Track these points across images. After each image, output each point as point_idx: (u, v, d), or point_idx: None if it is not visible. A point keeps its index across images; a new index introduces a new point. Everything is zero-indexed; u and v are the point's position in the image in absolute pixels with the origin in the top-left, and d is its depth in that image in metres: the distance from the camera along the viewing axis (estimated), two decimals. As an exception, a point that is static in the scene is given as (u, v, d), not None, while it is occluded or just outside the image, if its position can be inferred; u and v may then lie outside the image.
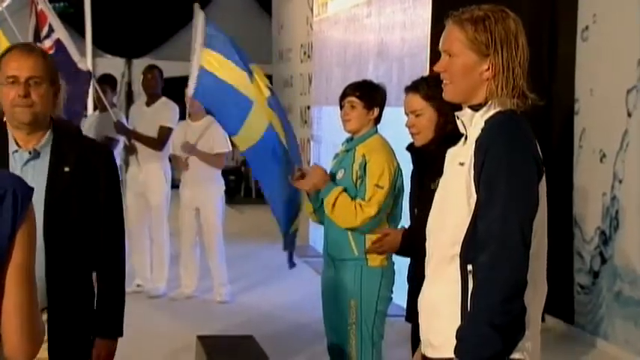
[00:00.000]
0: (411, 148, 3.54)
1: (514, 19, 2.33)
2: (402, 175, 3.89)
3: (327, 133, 8.98)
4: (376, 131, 3.97)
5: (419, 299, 2.44)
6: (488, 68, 2.29)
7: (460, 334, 2.24)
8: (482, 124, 2.30)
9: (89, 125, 7.83)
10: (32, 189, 1.81)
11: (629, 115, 5.62)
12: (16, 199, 1.72)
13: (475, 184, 2.24)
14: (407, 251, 3.50)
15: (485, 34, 2.28)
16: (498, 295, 2.18)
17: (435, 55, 6.42)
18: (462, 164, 2.29)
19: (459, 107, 2.39)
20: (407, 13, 7.05)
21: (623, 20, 5.72)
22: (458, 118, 2.38)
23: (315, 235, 8.69)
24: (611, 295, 5.80)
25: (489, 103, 2.31)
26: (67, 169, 2.75)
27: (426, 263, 2.40)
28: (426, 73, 6.02)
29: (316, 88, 9.93)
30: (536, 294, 2.31)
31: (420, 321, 2.43)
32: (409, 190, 3.60)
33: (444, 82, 2.37)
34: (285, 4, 13.18)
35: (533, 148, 2.29)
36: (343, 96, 3.95)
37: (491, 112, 2.30)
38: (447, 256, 2.30)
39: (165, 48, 14.78)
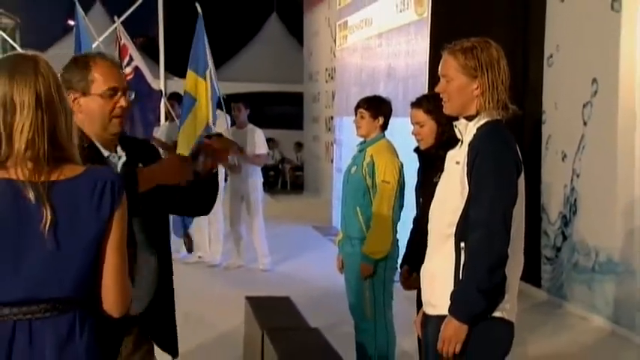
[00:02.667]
0: (417, 150, 3.52)
1: (496, 48, 2.32)
2: (403, 172, 3.86)
3: (347, 137, 8.96)
4: (384, 136, 3.94)
5: (422, 269, 2.42)
6: (477, 87, 2.29)
7: (453, 296, 2.24)
8: (475, 131, 2.30)
9: (161, 132, 7.89)
10: (123, 179, 1.82)
11: (585, 124, 5.57)
12: (114, 187, 1.72)
13: (467, 179, 2.24)
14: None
15: (473, 61, 2.28)
16: (484, 267, 2.18)
17: (432, 77, 6.39)
18: (457, 163, 2.29)
19: (454, 119, 2.39)
20: (410, 44, 7.02)
21: (580, 49, 5.67)
22: (455, 126, 2.37)
23: (337, 217, 8.70)
24: (570, 265, 5.76)
25: (480, 114, 2.31)
26: (140, 164, 2.38)
27: (428, 239, 2.39)
28: (426, 91, 5.99)
29: (338, 103, 9.91)
30: (515, 265, 2.30)
31: (421, 286, 2.43)
32: (415, 184, 3.58)
33: (444, 100, 2.37)
34: (314, 36, 13.15)
35: (514, 151, 2.28)
36: (356, 108, 3.94)
37: (482, 122, 2.30)
38: (444, 235, 2.29)
39: (221, 71, 14.85)
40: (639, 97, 4.98)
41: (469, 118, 2.32)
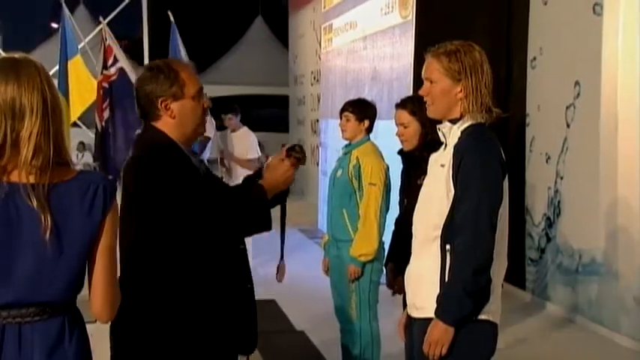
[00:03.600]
0: (401, 152, 3.52)
1: (479, 51, 2.33)
2: (389, 174, 3.87)
3: (332, 140, 8.97)
4: (369, 139, 3.94)
5: (407, 270, 2.42)
6: (461, 90, 2.29)
7: (439, 299, 2.23)
8: (459, 134, 2.29)
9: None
10: (116, 183, 1.81)
11: (568, 126, 5.61)
12: (106, 191, 1.71)
13: (453, 182, 2.24)
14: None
15: (457, 64, 2.28)
16: (470, 269, 2.18)
17: (417, 79, 6.39)
18: (442, 166, 2.28)
19: (439, 121, 2.39)
20: (395, 47, 7.04)
21: (563, 52, 5.71)
22: (439, 129, 2.37)
23: (323, 220, 8.69)
24: (554, 266, 5.80)
25: (464, 117, 2.30)
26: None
27: (412, 242, 2.39)
28: (410, 93, 6.01)
29: (323, 105, 9.91)
30: (499, 267, 2.30)
31: (406, 288, 2.42)
32: (399, 185, 3.59)
33: (427, 103, 2.36)
34: (299, 39, 13.15)
35: (499, 153, 2.28)
36: (342, 111, 3.93)
37: (466, 125, 2.30)
38: (430, 237, 2.29)
39: (207, 74, 14.81)
40: (621, 100, 5.03)
41: (453, 122, 2.32)
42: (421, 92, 2.38)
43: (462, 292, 2.18)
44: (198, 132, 2.33)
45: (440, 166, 2.30)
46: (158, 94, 2.25)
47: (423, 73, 2.37)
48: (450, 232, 2.24)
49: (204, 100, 2.32)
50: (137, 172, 2.21)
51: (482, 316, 2.26)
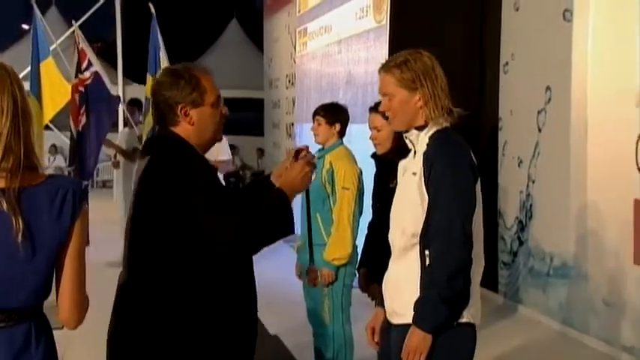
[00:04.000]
0: (374, 155, 3.53)
1: (428, 57, 2.33)
2: (362, 178, 3.87)
3: (307, 144, 8.96)
4: (342, 143, 3.94)
5: (385, 276, 2.40)
6: (420, 99, 2.29)
7: (416, 306, 2.23)
8: (427, 140, 2.30)
9: (121, 138, 7.81)
10: (87, 190, 1.79)
11: (540, 130, 5.68)
12: (75, 196, 1.70)
13: (426, 189, 2.24)
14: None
15: (409, 73, 2.28)
16: (445, 275, 2.18)
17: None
18: (414, 174, 2.28)
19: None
20: (369, 50, 7.07)
21: (534, 58, 5.78)
22: (406, 137, 2.36)
23: (297, 224, 8.67)
24: (525, 269, 5.85)
25: (428, 124, 2.31)
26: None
27: (392, 249, 2.37)
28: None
29: (298, 109, 9.91)
30: (478, 268, 2.31)
31: (385, 294, 2.40)
32: (372, 189, 3.59)
33: (390, 118, 2.36)
34: (274, 43, 13.14)
35: (468, 157, 2.29)
36: (313, 115, 3.94)
37: (432, 131, 2.30)
38: (408, 244, 2.28)
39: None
40: (591, 105, 5.09)
41: (419, 129, 2.32)
42: (381, 109, 2.39)
43: (438, 299, 2.18)
44: (215, 139, 2.32)
45: (412, 174, 2.30)
46: (178, 100, 2.23)
47: (379, 89, 2.38)
48: (428, 239, 2.24)
49: (222, 107, 2.31)
50: (160, 174, 2.16)
51: (462, 319, 2.26)
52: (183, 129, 2.24)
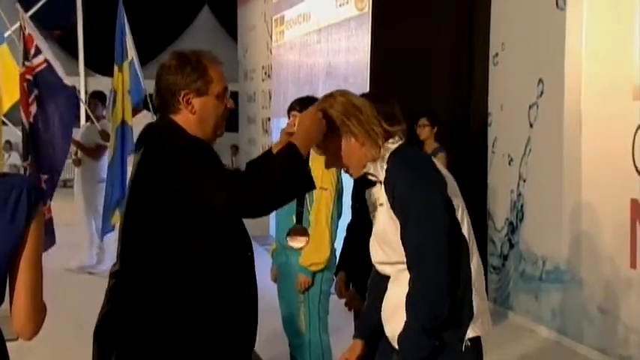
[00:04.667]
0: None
1: (340, 93, 2.34)
2: (342, 177, 3.88)
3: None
4: None
5: (384, 300, 2.38)
6: (355, 139, 2.29)
7: (399, 341, 2.22)
8: (385, 166, 2.29)
9: (81, 133, 7.76)
10: (43, 189, 1.78)
11: (531, 126, 5.72)
12: (30, 196, 1.70)
13: (395, 215, 2.23)
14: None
15: (331, 122, 2.28)
16: (426, 305, 2.17)
17: (374, 74, 6.46)
18: (381, 205, 2.29)
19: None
20: (350, 40, 7.08)
21: (526, 48, 5.82)
22: (367, 174, 2.35)
23: (273, 226, 8.68)
24: (516, 274, 5.90)
25: (379, 155, 2.30)
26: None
27: (383, 275, 2.37)
28: (367, 89, 6.06)
29: (275, 103, 9.91)
30: (479, 273, 2.30)
31: (384, 321, 2.37)
32: (352, 189, 3.60)
33: (345, 170, 2.37)
34: (249, 32, 13.13)
35: (429, 165, 2.28)
36: (289, 109, 3.93)
37: (386, 157, 2.29)
38: (397, 270, 2.28)
39: (148, 68, 14.63)
40: (585, 99, 5.11)
41: (373, 162, 2.32)
42: (330, 167, 2.41)
43: (422, 332, 2.17)
44: (216, 133, 2.31)
45: (380, 206, 2.31)
46: (181, 87, 2.24)
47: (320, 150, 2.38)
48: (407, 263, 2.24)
49: (227, 100, 2.32)
50: (156, 163, 2.16)
51: (470, 335, 2.26)
52: (183, 118, 2.25)
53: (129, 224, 2.25)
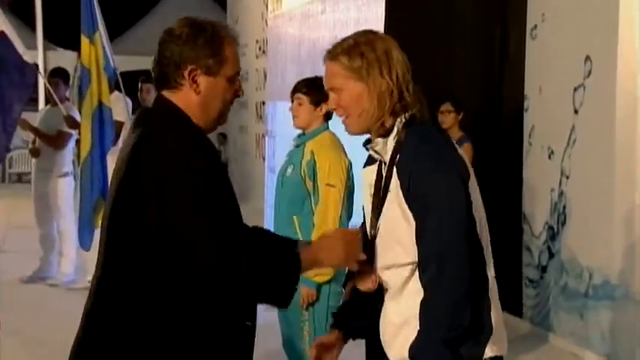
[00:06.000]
0: (368, 143, 3.51)
1: (381, 38, 2.35)
2: (352, 172, 3.86)
3: (282, 128, 8.95)
4: (327, 127, 3.94)
5: (382, 318, 2.39)
6: (372, 90, 2.29)
7: (413, 352, 2.22)
8: (394, 143, 2.29)
9: (41, 118, 7.73)
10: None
11: (576, 112, 5.71)
12: None
13: (408, 207, 2.23)
14: None
15: (360, 60, 2.29)
16: (446, 312, 2.18)
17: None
18: (389, 191, 2.28)
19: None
20: (361, 10, 7.05)
21: (571, 19, 5.80)
22: (371, 148, 2.36)
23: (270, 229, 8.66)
24: (557, 288, 5.89)
25: (392, 123, 2.29)
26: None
27: (384, 288, 2.37)
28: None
29: (271, 84, 9.89)
30: (494, 283, 2.31)
31: (385, 342, 2.38)
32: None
33: (343, 119, 2.37)
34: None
35: (451, 153, 2.28)
36: (293, 92, 3.94)
37: (396, 132, 2.29)
38: (403, 277, 2.28)
39: (119, 42, 14.63)
40: (641, 81, 5.13)
41: (383, 135, 2.32)
42: (330, 108, 2.40)
43: (441, 343, 2.17)
44: (217, 122, 2.31)
45: (387, 193, 2.30)
46: (189, 60, 2.21)
47: (325, 84, 2.39)
48: (421, 265, 2.25)
49: (237, 86, 2.31)
50: (151, 159, 2.14)
51: (489, 354, 2.27)
52: (184, 97, 2.22)
53: (113, 228, 2.19)
